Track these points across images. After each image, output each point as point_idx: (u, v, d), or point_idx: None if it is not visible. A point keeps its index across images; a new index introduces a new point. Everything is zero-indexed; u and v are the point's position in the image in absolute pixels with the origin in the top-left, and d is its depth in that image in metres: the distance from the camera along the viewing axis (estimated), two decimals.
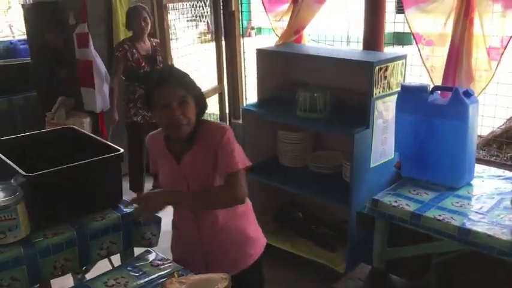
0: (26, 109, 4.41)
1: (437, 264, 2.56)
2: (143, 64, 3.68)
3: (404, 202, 2.19)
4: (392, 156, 2.77)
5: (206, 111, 1.90)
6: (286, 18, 3.29)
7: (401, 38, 3.51)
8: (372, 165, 2.68)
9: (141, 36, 3.71)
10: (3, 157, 2.04)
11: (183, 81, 1.73)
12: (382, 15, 2.89)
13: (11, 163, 1.97)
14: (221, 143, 1.76)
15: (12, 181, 2.00)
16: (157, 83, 1.71)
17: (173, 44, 5.28)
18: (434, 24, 2.61)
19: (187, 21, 5.29)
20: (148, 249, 1.93)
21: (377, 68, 2.52)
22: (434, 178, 2.35)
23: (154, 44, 3.80)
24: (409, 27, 2.66)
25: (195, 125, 1.77)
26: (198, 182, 1.79)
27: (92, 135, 2.37)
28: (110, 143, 2.30)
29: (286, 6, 3.26)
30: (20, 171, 1.90)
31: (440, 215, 2.05)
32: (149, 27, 3.70)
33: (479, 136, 2.92)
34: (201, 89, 1.82)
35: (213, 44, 4.31)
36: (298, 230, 3.22)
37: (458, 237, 1.95)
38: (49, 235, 1.91)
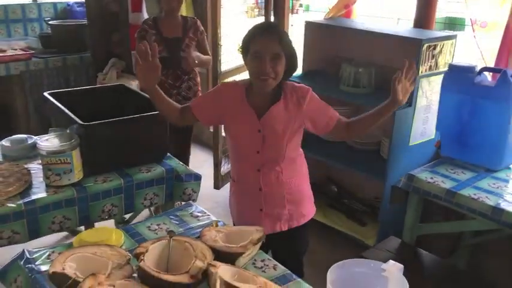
0: (79, 69, 4.60)
1: (468, 245, 2.58)
2: (161, 49, 2.93)
3: (440, 179, 2.21)
4: (433, 137, 2.78)
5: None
6: None
7: (453, 23, 3.45)
8: (411, 143, 2.70)
9: (169, 14, 3.09)
10: (62, 107, 2.18)
11: (282, 38, 1.76)
12: None
13: (69, 113, 2.11)
14: (312, 100, 1.86)
15: (68, 130, 2.16)
16: (259, 32, 1.78)
17: (222, 19, 5.35)
18: (491, 7, 2.57)
19: None
20: (190, 202, 2.05)
21: (425, 45, 2.52)
22: (473, 159, 2.35)
23: (189, 23, 3.14)
24: (466, 8, 2.62)
25: (280, 82, 1.82)
26: (273, 137, 1.85)
27: (141, 92, 2.48)
28: None
29: None
30: (78, 120, 2.04)
31: (475, 194, 2.07)
32: (180, 4, 3.12)
33: None
34: (295, 51, 1.85)
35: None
36: (331, 203, 3.30)
37: (491, 216, 1.97)
38: (99, 181, 2.06)
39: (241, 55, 1.88)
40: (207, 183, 3.70)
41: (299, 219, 2.00)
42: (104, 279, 1.30)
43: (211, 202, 3.46)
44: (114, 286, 1.30)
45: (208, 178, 3.72)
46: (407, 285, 1.09)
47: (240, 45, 1.87)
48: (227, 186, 2.54)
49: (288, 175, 1.93)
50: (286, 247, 2.04)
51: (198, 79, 3.23)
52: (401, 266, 1.15)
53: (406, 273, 1.11)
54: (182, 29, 3.11)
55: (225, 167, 3.61)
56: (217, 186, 3.56)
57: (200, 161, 4.11)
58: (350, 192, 3.36)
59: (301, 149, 2.01)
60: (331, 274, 1.12)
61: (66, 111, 2.12)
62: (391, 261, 1.16)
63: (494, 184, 2.17)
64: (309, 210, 2.04)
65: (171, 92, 3.07)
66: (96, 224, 2.30)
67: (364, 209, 3.20)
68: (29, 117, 4.38)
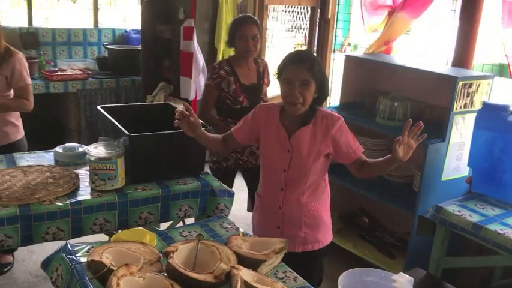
0: (130, 90, 4.88)
1: (499, 286, 2.54)
2: (241, 99, 2.77)
3: (468, 213, 2.23)
4: (467, 174, 2.79)
5: None
6: (381, 29, 3.41)
7: (504, 70, 3.47)
8: (444, 178, 2.72)
9: (245, 59, 2.80)
10: (111, 118, 2.38)
11: (313, 66, 1.88)
12: (474, 33, 2.91)
13: (118, 124, 2.30)
14: (340, 129, 1.96)
15: (115, 142, 2.34)
16: (291, 60, 1.91)
17: (270, 52, 5.56)
18: None
19: (286, 31, 5.52)
20: (221, 215, 2.16)
21: (460, 83, 2.58)
22: (504, 197, 2.36)
23: (261, 67, 2.87)
24: (503, 47, 2.68)
25: (312, 107, 1.94)
26: (299, 158, 1.96)
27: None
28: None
29: (382, 18, 3.39)
30: (124, 131, 2.22)
31: (502, 229, 2.08)
32: (258, 48, 2.78)
33: None
34: (327, 78, 1.98)
35: None
36: (362, 234, 3.32)
37: None
38: (139, 189, 2.21)
39: (277, 80, 2.02)
40: (241, 206, 3.81)
41: (314, 244, 2.07)
42: (135, 270, 1.42)
43: (243, 224, 3.51)
44: (144, 278, 1.42)
45: (243, 201, 3.83)
46: None
47: (276, 71, 2.01)
48: None
49: (308, 199, 2.03)
50: (300, 270, 2.09)
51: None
52: (411, 278, 1.21)
53: None
54: (257, 73, 2.84)
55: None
56: (249, 208, 3.65)
57: (238, 185, 4.22)
58: (381, 225, 3.38)
59: (326, 177, 2.10)
60: (342, 280, 1.19)
61: (115, 122, 2.31)
62: (401, 273, 1.22)
63: None
64: (325, 237, 2.11)
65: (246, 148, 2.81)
66: None
67: (394, 242, 3.20)
68: (81, 133, 4.67)
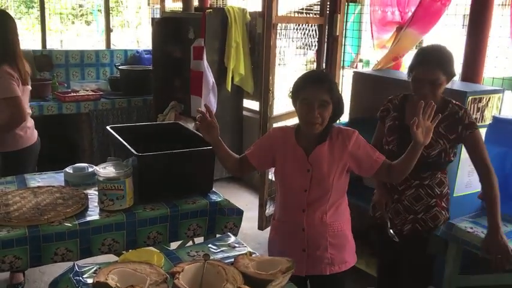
0: (142, 109, 4.94)
1: None
2: (389, 139, 2.34)
3: (481, 230, 2.19)
4: (479, 189, 2.74)
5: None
6: (389, 45, 3.41)
7: None
8: (456, 194, 2.68)
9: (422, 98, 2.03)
10: (120, 139, 2.40)
11: (331, 86, 1.90)
12: (483, 47, 2.90)
13: (126, 144, 2.32)
14: (356, 142, 1.95)
15: (124, 162, 2.36)
16: (310, 81, 1.91)
17: (281, 70, 5.59)
18: None
19: (297, 48, 5.55)
20: (229, 233, 2.15)
21: (470, 98, 2.55)
22: None
23: (449, 111, 2.23)
24: None
25: (327, 125, 1.94)
26: (320, 177, 1.95)
27: (194, 131, 2.67)
28: None
29: (391, 34, 3.40)
30: (132, 150, 2.24)
31: None
32: (437, 90, 2.17)
33: None
34: (342, 98, 1.99)
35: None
36: (374, 252, 3.27)
37: None
38: (148, 209, 2.22)
39: (291, 100, 2.02)
40: (252, 225, 3.80)
41: (341, 265, 2.03)
42: None
43: (254, 243, 3.53)
44: None
45: (254, 220, 3.82)
46: None
47: (291, 90, 2.01)
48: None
49: (331, 218, 1.99)
50: None
51: (444, 189, 2.33)
52: None
53: None
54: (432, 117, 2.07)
55: (270, 209, 3.69)
56: (261, 227, 3.64)
57: (248, 203, 4.22)
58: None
59: (346, 197, 2.08)
60: None
61: (124, 142, 2.33)
62: None
63: None
64: (350, 257, 2.07)
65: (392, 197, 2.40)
66: None
67: None
68: (93, 153, 4.71)
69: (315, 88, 1.88)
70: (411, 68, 2.23)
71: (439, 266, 2.48)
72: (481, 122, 2.65)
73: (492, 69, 3.13)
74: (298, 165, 1.97)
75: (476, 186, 2.72)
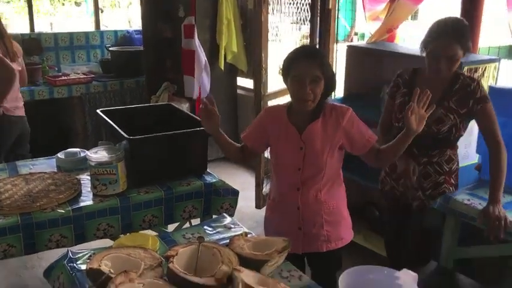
0: (135, 91, 4.87)
1: None
2: (399, 116, 2.25)
3: (478, 201, 2.17)
4: (476, 161, 2.73)
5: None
6: (382, 17, 3.34)
7: None
8: None
9: (434, 74, 2.14)
10: (111, 122, 2.36)
11: (322, 62, 1.85)
12: (479, 16, 2.84)
13: (117, 127, 2.28)
14: (350, 120, 1.91)
15: (116, 146, 2.32)
16: (300, 56, 1.86)
17: (276, 46, 5.49)
18: None
19: (291, 23, 5.45)
20: (224, 214, 2.13)
21: (466, 68, 2.51)
22: None
23: (458, 85, 2.17)
24: (509, 27, 2.60)
25: (319, 102, 1.89)
26: (313, 154, 1.92)
27: (187, 112, 2.63)
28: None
29: (383, 5, 3.32)
30: (124, 134, 2.20)
31: None
32: (453, 66, 2.12)
33: None
34: (334, 72, 1.95)
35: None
36: (372, 226, 3.27)
37: None
38: (142, 192, 2.19)
39: (282, 77, 1.96)
40: (249, 204, 3.79)
41: (337, 242, 2.02)
42: (134, 277, 1.39)
43: (252, 222, 3.53)
44: (143, 284, 1.39)
45: (251, 199, 3.81)
46: None
47: (281, 67, 1.96)
48: None
49: (326, 196, 1.97)
50: (322, 267, 2.08)
51: (454, 166, 2.31)
52: (416, 274, 1.16)
53: None
54: (443, 92, 2.19)
55: (267, 188, 3.68)
56: (258, 205, 3.63)
57: (245, 183, 4.20)
58: None
59: (341, 173, 2.05)
60: (343, 280, 1.16)
61: (114, 126, 2.29)
62: (405, 270, 1.18)
63: None
64: (347, 234, 2.06)
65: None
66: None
67: None
68: (87, 137, 4.67)
69: (305, 64, 1.83)
70: (426, 43, 2.14)
71: (438, 239, 2.48)
72: None
73: (488, 37, 3.07)
74: (291, 143, 1.94)
75: (473, 158, 2.71)
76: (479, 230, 2.10)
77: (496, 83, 2.69)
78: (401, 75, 2.34)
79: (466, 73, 2.53)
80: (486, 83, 2.63)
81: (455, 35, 2.05)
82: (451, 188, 2.30)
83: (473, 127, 2.64)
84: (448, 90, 2.18)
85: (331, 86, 1.91)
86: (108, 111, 2.59)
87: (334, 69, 3.99)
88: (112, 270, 1.45)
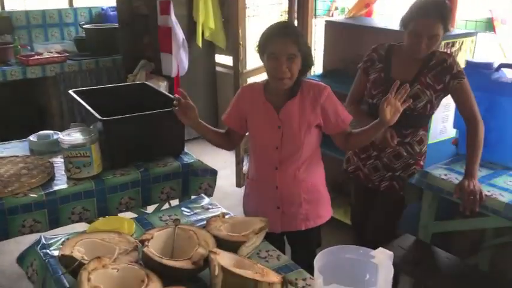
0: (111, 70, 4.76)
1: (489, 246, 2.53)
2: (374, 92, 2.21)
3: (455, 176, 2.18)
4: (454, 135, 2.74)
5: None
6: None
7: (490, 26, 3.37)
8: (430, 141, 2.66)
9: (412, 53, 2.12)
10: (84, 103, 2.29)
11: (298, 38, 1.81)
12: None
13: (90, 108, 2.22)
14: (328, 98, 1.89)
15: (91, 126, 2.27)
16: (276, 33, 1.82)
17: (256, 22, 5.39)
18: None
19: None
20: (202, 195, 2.11)
21: (443, 42, 2.49)
22: (491, 157, 2.31)
23: (434, 61, 2.13)
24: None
25: (296, 79, 1.86)
26: (291, 132, 1.89)
27: (162, 91, 2.57)
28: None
29: None
30: (97, 115, 2.14)
31: (489, 191, 2.04)
32: (433, 44, 2.07)
33: None
34: (310, 49, 1.91)
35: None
36: (351, 201, 3.29)
37: (505, 214, 1.94)
38: (117, 175, 2.15)
39: (258, 55, 1.93)
40: (229, 182, 3.78)
41: (316, 220, 2.02)
42: (108, 263, 1.37)
43: (233, 200, 3.52)
44: (118, 269, 1.37)
45: (231, 178, 3.79)
46: (392, 273, 1.11)
47: (257, 45, 1.92)
48: None
49: (304, 174, 1.96)
50: (302, 246, 2.08)
51: (423, 147, 2.32)
52: (391, 253, 1.16)
53: (420, 271, 1.10)
54: (419, 68, 2.15)
55: (247, 166, 3.66)
56: (239, 184, 3.62)
57: (225, 161, 4.18)
58: None
59: (319, 151, 2.04)
60: (319, 261, 1.15)
61: (87, 107, 2.23)
62: (380, 248, 1.18)
63: (510, 182, 2.14)
64: (326, 211, 2.06)
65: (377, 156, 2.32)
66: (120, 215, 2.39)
67: None
68: (63, 117, 4.57)
69: (281, 41, 1.78)
70: (407, 21, 2.08)
71: (416, 214, 2.50)
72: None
73: (465, 11, 3.05)
74: (268, 122, 1.91)
75: (451, 133, 2.72)
76: (455, 205, 2.12)
77: (473, 57, 2.68)
78: (376, 50, 2.28)
79: (443, 47, 2.52)
80: (463, 57, 2.62)
81: (437, 14, 2.00)
82: (420, 170, 2.30)
83: (450, 101, 2.65)
84: (424, 66, 2.15)
85: (308, 63, 1.88)
86: (82, 92, 2.52)
87: (313, 45, 3.98)
88: (85, 257, 1.42)
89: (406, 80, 2.06)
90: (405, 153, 2.26)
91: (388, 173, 2.30)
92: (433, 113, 2.24)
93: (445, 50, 2.53)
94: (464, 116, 2.15)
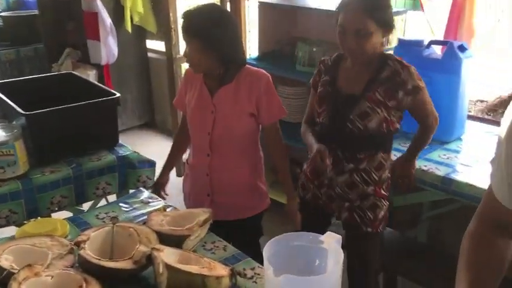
0: (33, 60, 4.47)
1: (427, 218, 2.62)
2: (319, 110, 1.89)
3: (393, 153, 2.21)
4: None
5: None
6: None
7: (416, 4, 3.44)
8: None
9: (352, 57, 1.84)
10: (3, 97, 2.11)
11: (202, 32, 1.74)
12: None
13: (11, 103, 2.04)
14: (264, 87, 1.85)
15: (14, 122, 2.09)
16: (182, 26, 1.81)
17: (189, 3, 5.23)
18: None
19: None
20: (141, 188, 2.01)
21: None
22: None
23: (386, 72, 1.80)
24: None
25: (228, 66, 1.82)
26: (224, 118, 1.86)
27: (92, 81, 2.42)
28: (108, 88, 2.37)
29: None
30: (19, 110, 1.97)
31: (425, 166, 2.09)
32: (368, 47, 1.75)
33: (485, 101, 2.90)
34: (228, 40, 1.79)
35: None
36: (295, 186, 3.29)
37: (442, 187, 2.00)
38: (46, 172, 2.00)
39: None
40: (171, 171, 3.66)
41: (246, 212, 1.99)
42: (41, 270, 1.26)
43: (175, 189, 3.39)
44: (52, 276, 1.26)
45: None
46: (342, 257, 1.09)
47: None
48: None
49: (236, 165, 1.93)
50: (239, 236, 1.94)
51: (384, 174, 1.90)
52: (339, 236, 1.14)
53: None
54: (368, 81, 1.81)
55: (186, 154, 3.56)
56: (179, 173, 3.52)
57: (164, 150, 4.04)
58: None
59: (257, 140, 1.99)
60: (268, 250, 1.11)
61: (8, 101, 2.05)
62: (329, 232, 1.16)
63: (445, 155, 2.21)
64: (260, 203, 2.03)
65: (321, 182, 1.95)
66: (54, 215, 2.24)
67: None
68: None
69: (184, 34, 1.80)
70: (336, 15, 1.77)
71: None
72: (387, 45, 2.63)
73: None
74: (203, 106, 1.89)
75: None
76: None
77: (404, 35, 2.73)
78: (323, 61, 1.96)
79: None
80: (395, 36, 2.66)
81: (362, 6, 1.69)
82: (382, 200, 1.89)
83: None
84: (374, 78, 1.79)
85: (227, 52, 1.80)
86: (1, 85, 2.31)
87: (247, 28, 3.92)
88: (14, 265, 1.29)
89: (353, 93, 1.80)
90: (360, 182, 1.85)
91: (346, 202, 1.90)
92: (395, 131, 1.86)
93: None
94: (420, 123, 1.95)
